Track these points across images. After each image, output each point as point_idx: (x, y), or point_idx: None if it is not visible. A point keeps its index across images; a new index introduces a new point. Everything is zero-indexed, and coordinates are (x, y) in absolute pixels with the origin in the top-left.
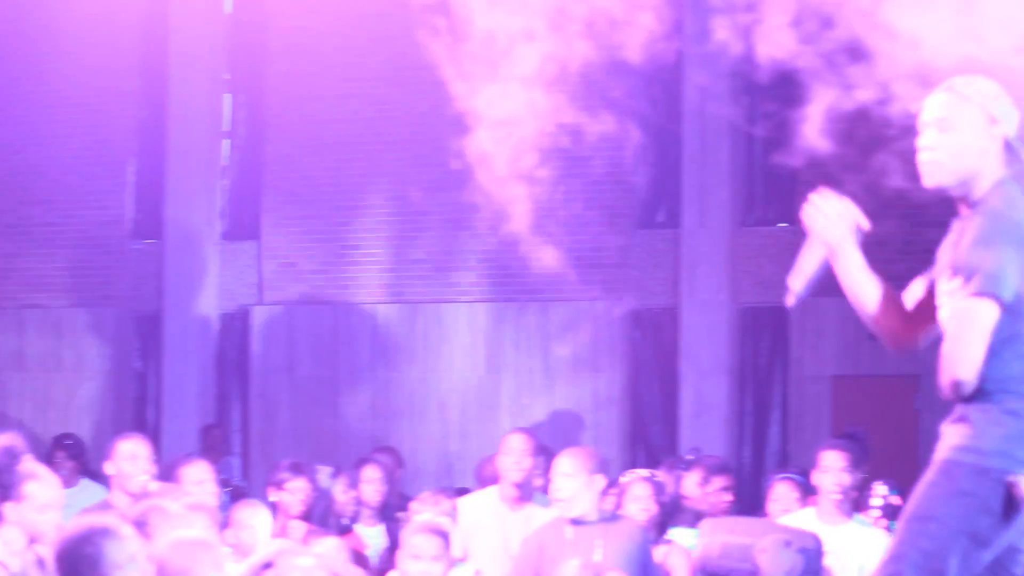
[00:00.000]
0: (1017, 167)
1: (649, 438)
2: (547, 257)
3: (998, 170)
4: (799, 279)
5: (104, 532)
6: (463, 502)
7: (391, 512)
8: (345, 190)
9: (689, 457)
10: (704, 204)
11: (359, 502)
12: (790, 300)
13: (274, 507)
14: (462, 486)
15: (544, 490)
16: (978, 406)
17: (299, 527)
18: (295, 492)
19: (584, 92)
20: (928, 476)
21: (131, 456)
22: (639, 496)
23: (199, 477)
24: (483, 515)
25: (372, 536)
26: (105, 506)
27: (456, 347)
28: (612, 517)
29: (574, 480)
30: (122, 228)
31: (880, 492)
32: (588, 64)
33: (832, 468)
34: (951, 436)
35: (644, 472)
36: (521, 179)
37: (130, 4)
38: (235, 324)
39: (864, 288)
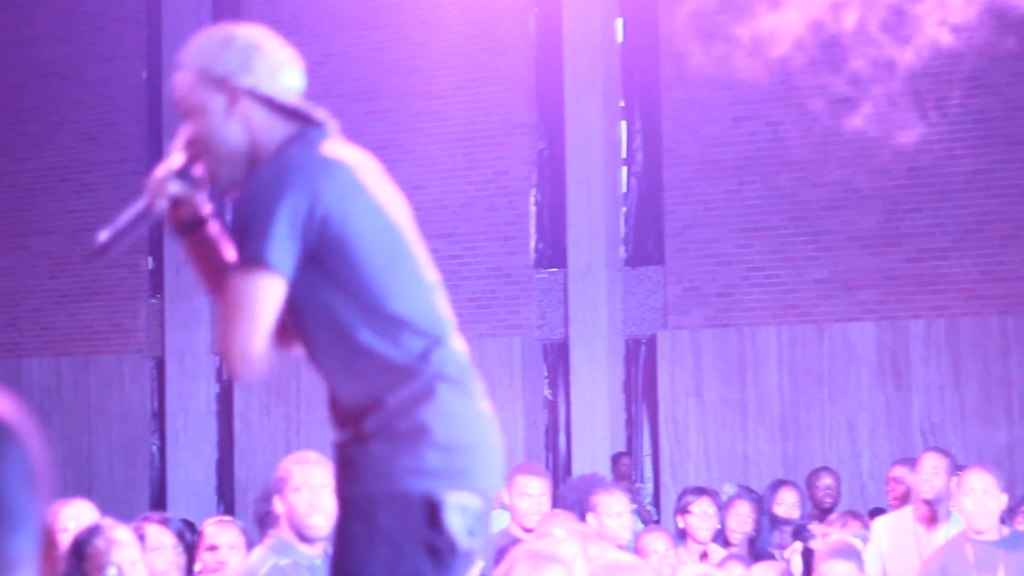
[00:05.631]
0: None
1: None
2: (951, 273)
3: (277, 128)
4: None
5: None
6: (878, 523)
7: (804, 534)
8: (744, 212)
9: None
10: None
11: (774, 522)
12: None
13: (681, 533)
14: (876, 507)
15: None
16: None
17: (716, 551)
18: (703, 517)
19: None
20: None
21: None
22: None
23: (618, 509)
24: (898, 536)
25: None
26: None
27: (863, 366)
28: (1015, 538)
29: (986, 498)
30: (526, 258)
31: None
32: None
33: None
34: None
35: None
36: (923, 194)
37: (524, 39)
38: (640, 350)
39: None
